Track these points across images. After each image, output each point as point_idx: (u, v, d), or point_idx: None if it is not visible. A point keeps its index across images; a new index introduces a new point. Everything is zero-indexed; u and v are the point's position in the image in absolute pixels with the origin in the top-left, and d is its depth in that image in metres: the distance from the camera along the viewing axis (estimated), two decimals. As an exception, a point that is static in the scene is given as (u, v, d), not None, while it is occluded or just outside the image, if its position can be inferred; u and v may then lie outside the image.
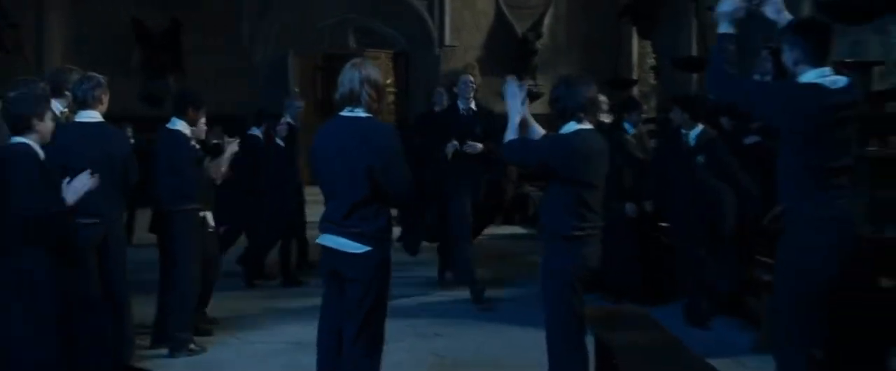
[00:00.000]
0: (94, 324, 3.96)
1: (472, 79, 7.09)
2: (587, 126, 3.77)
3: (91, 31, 14.09)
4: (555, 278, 3.68)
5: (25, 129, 3.60)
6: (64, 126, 4.30)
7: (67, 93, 4.72)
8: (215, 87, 13.15)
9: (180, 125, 5.09)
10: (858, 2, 5.61)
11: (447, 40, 15.17)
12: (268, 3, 14.93)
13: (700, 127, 6.02)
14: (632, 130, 6.90)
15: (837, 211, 3.21)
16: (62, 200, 3.55)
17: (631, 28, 13.85)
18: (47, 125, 3.67)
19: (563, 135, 3.77)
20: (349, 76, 3.61)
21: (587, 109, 3.77)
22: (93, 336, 3.88)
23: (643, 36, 13.43)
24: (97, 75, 4.53)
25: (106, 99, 4.53)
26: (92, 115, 4.46)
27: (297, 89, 15.38)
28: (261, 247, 7.61)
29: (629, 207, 6.54)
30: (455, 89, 7.16)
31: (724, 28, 3.39)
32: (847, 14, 5.20)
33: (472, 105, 6.90)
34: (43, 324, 3.48)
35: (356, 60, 3.74)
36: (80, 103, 4.44)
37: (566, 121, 3.77)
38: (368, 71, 3.62)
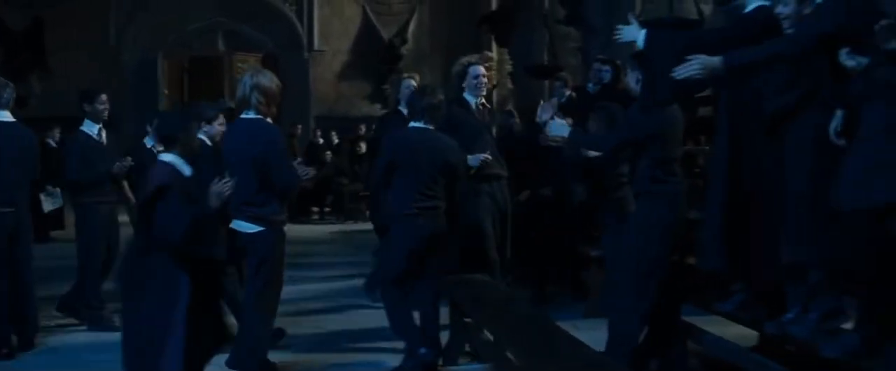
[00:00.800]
0: None
1: (414, 82, 7.61)
2: (422, 125, 4.57)
3: (-53, 28, 13.79)
4: (394, 248, 4.56)
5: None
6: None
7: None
8: (81, 87, 13.16)
9: (86, 125, 5.57)
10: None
11: (316, 45, 15.73)
12: (137, 4, 14.99)
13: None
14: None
15: (676, 194, 4.11)
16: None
17: (490, 36, 14.79)
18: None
19: (401, 132, 4.61)
20: (242, 82, 4.25)
21: (426, 113, 4.55)
22: None
23: (501, 44, 14.36)
24: (8, 81, 4.93)
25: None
26: (5, 115, 4.85)
27: (166, 91, 15.53)
28: None
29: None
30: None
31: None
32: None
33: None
34: None
35: (252, 69, 4.39)
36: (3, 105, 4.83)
37: (411, 120, 4.61)
38: (259, 78, 4.25)
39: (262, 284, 4.20)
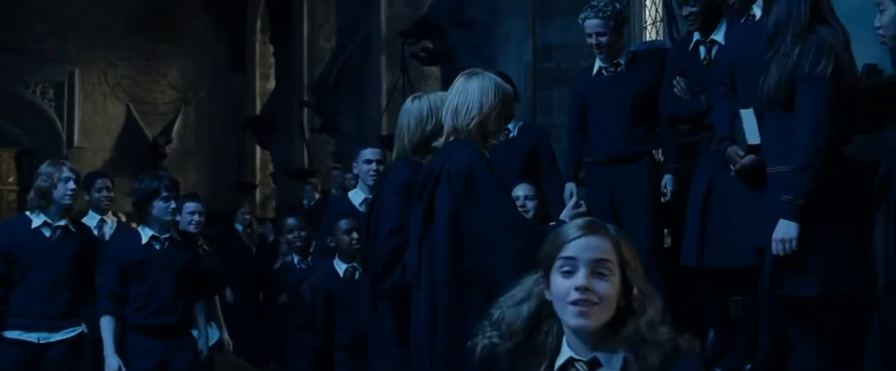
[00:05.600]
0: None
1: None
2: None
3: None
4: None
5: None
6: None
7: None
8: None
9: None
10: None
11: (76, 142, 15.61)
12: None
13: None
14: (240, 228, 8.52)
15: None
16: None
17: (253, 139, 15.55)
18: None
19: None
20: None
21: None
22: None
23: (263, 146, 15.14)
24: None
25: None
26: None
27: None
28: None
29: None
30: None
31: None
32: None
33: None
34: None
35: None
36: None
37: None
38: None
39: None
